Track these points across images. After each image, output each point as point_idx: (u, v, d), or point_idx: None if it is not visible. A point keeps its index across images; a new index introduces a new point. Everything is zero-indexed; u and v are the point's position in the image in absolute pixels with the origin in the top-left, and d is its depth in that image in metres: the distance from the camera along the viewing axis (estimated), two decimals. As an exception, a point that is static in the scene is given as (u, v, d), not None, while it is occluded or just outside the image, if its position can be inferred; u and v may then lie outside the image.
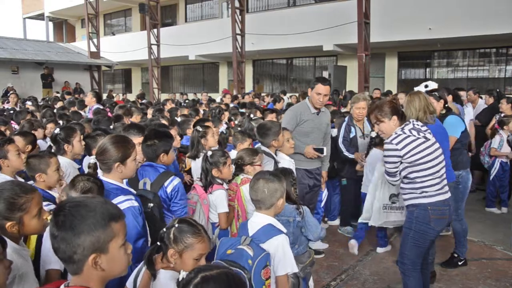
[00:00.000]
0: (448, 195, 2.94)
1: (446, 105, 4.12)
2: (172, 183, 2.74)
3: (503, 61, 13.78)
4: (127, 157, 2.32)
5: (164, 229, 1.87)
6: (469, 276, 3.91)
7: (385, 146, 2.89)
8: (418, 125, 2.90)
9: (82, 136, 3.50)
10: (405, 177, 2.90)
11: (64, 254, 1.23)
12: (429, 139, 2.87)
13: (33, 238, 2.02)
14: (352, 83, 13.31)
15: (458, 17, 12.01)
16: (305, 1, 17.05)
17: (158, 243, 1.87)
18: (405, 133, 2.85)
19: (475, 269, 4.07)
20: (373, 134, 4.45)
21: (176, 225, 1.84)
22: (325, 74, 12.99)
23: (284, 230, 2.33)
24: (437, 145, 2.90)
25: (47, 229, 1.91)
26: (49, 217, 1.44)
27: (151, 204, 2.52)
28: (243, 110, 7.69)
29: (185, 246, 1.81)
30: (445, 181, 2.94)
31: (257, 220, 2.31)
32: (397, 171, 2.89)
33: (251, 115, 5.22)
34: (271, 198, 2.30)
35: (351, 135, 4.78)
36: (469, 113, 6.79)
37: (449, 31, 12.32)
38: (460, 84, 14.35)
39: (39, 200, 1.83)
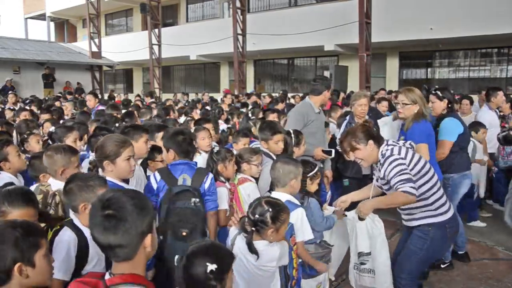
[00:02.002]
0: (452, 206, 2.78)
1: (450, 105, 3.90)
2: (208, 179, 2.76)
3: (505, 61, 13.78)
4: (117, 156, 2.32)
5: (257, 216, 2.15)
6: (470, 277, 3.91)
7: (389, 160, 2.60)
8: (393, 140, 2.77)
9: (86, 136, 3.48)
10: None
11: (123, 240, 1.33)
12: (413, 147, 2.73)
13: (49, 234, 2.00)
14: (353, 83, 13.32)
15: (459, 17, 12.01)
16: (306, 1, 17.05)
17: (253, 228, 2.17)
18: (394, 145, 2.67)
19: (477, 269, 4.06)
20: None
21: (270, 210, 2.16)
22: (326, 74, 12.98)
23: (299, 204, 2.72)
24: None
25: (59, 238, 1.93)
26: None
27: (197, 200, 2.57)
28: (243, 110, 7.71)
29: (281, 223, 2.19)
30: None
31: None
32: (411, 177, 2.55)
33: (249, 115, 5.22)
34: (285, 178, 2.66)
35: None
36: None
37: (450, 31, 12.32)
38: (462, 84, 14.36)
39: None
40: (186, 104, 9.94)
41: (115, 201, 1.35)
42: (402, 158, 2.58)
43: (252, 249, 2.17)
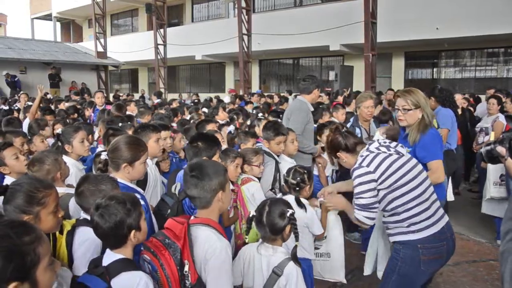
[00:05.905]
0: (444, 221, 2.34)
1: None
2: None
3: (511, 60, 13.66)
4: (136, 159, 2.32)
5: (299, 178, 2.80)
6: (476, 278, 3.89)
7: (355, 173, 2.34)
8: (385, 142, 2.41)
9: (91, 137, 3.48)
10: (384, 209, 2.36)
11: (201, 194, 1.91)
12: (403, 154, 2.35)
13: (63, 243, 1.98)
14: (358, 83, 13.27)
15: (465, 17, 11.94)
16: (311, 1, 17.02)
17: (297, 188, 2.85)
18: (372, 152, 2.35)
19: (483, 270, 4.04)
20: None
21: (305, 172, 2.86)
22: (332, 74, 12.96)
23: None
24: (414, 160, 2.38)
25: (79, 235, 1.96)
26: (61, 214, 1.88)
27: (169, 211, 2.46)
28: (249, 110, 7.71)
29: (312, 181, 2.94)
30: (437, 204, 2.36)
31: None
32: (376, 201, 2.32)
33: (259, 115, 5.24)
34: None
35: None
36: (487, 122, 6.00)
37: (456, 31, 12.25)
38: (468, 84, 14.27)
39: (56, 197, 1.87)
40: (192, 104, 9.91)
41: (197, 167, 1.97)
42: (370, 172, 2.29)
43: (300, 203, 2.73)
